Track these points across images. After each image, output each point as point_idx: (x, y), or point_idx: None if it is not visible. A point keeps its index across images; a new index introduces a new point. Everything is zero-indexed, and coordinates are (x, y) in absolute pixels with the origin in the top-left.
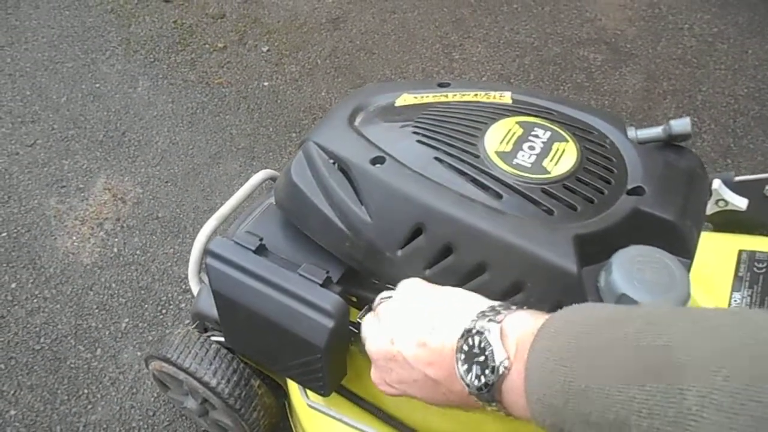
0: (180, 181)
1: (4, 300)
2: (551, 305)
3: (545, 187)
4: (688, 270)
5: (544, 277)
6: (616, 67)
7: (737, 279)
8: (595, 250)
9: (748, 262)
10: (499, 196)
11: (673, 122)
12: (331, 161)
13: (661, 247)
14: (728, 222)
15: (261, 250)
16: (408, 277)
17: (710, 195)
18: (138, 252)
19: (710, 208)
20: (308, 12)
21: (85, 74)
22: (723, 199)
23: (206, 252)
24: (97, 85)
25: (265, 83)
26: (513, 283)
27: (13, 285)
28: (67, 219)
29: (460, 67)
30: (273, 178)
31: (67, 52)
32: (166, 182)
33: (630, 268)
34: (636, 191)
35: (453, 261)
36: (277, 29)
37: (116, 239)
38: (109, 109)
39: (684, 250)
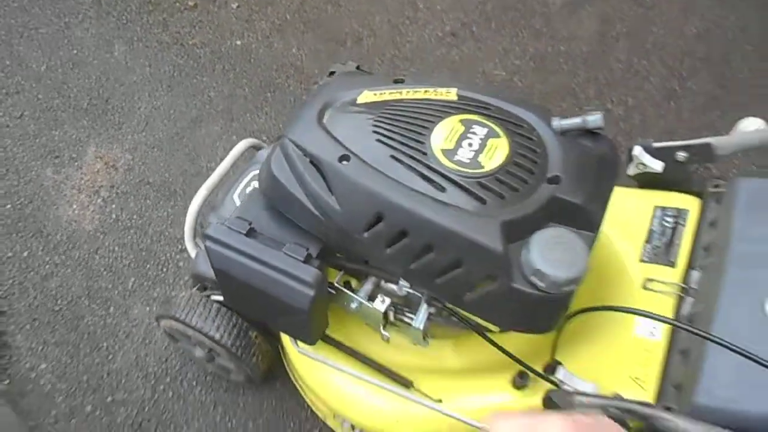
0: (165, 145)
1: (19, 267)
2: (484, 276)
3: (480, 180)
4: (593, 241)
5: (476, 256)
6: (574, 10)
7: (650, 232)
8: (519, 230)
9: (660, 216)
10: (443, 189)
11: (588, 118)
12: (305, 157)
13: (571, 224)
14: (649, 181)
15: (251, 232)
16: (372, 255)
17: (632, 160)
18: (135, 216)
19: (633, 170)
20: None
21: (61, 40)
22: (643, 163)
23: (205, 237)
24: (75, 51)
25: (238, 42)
26: (454, 260)
27: (25, 253)
28: (64, 188)
29: (425, 17)
30: (254, 147)
31: (40, 17)
32: (153, 148)
33: (544, 247)
34: (554, 180)
35: (407, 242)
36: None
37: (113, 205)
38: (90, 76)
39: (590, 226)
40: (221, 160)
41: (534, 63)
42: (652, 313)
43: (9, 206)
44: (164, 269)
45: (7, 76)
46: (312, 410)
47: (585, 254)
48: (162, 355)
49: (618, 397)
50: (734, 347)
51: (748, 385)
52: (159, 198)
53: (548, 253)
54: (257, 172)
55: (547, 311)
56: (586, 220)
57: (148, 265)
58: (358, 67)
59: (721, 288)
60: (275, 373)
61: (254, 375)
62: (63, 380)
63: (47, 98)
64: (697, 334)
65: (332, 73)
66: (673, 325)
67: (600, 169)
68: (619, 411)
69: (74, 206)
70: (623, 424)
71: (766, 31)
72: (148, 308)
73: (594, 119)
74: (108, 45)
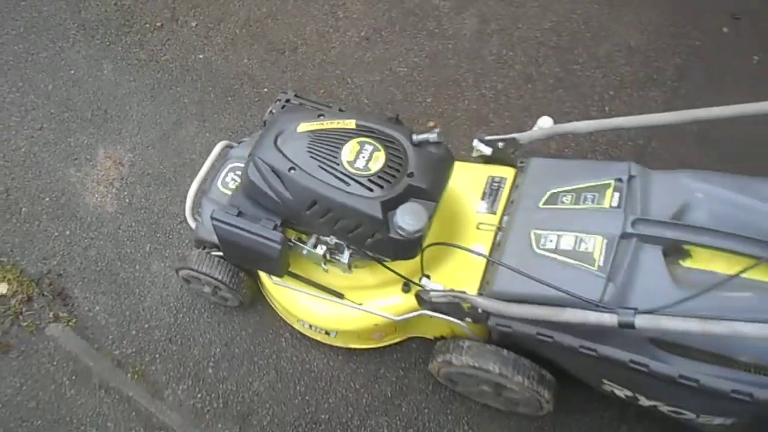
0: (157, 144)
1: (65, 243)
2: (373, 232)
3: (369, 177)
4: (435, 208)
5: (368, 221)
6: (459, 12)
7: (484, 193)
8: (391, 205)
9: (490, 182)
10: (348, 184)
11: (431, 135)
12: (268, 167)
13: (422, 199)
14: (487, 160)
15: (240, 214)
16: (312, 223)
17: (473, 149)
18: (143, 200)
19: (474, 154)
20: None
21: (59, 62)
22: (479, 149)
23: (212, 218)
24: (72, 72)
25: (200, 56)
26: (357, 224)
27: (68, 232)
28: (87, 182)
29: (345, 24)
30: (228, 146)
31: (38, 43)
32: (148, 147)
33: (404, 214)
34: (410, 175)
35: (331, 215)
36: (200, 3)
37: (125, 193)
38: (88, 91)
39: (433, 199)
40: (200, 153)
41: (429, 60)
42: (464, 246)
43: (47, 199)
44: (170, 236)
45: (22, 95)
46: (283, 320)
47: (426, 216)
48: (178, 294)
49: (452, 290)
50: (501, 263)
51: (509, 277)
52: (158, 185)
53: (406, 217)
54: (232, 165)
55: (409, 248)
56: (430, 196)
57: (158, 234)
58: (296, 95)
59: (512, 225)
60: (257, 299)
61: (244, 300)
62: (112, 316)
63: (58, 112)
64: (487, 258)
65: (278, 100)
66: (469, 251)
67: (439, 166)
68: (452, 298)
69: (96, 195)
70: (459, 306)
71: (603, 23)
72: (163, 264)
73: (434, 136)
74: (98, 64)
